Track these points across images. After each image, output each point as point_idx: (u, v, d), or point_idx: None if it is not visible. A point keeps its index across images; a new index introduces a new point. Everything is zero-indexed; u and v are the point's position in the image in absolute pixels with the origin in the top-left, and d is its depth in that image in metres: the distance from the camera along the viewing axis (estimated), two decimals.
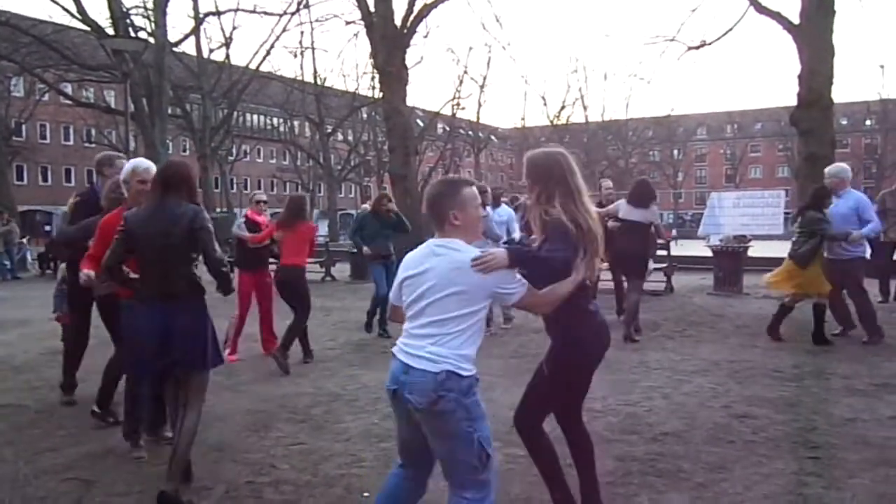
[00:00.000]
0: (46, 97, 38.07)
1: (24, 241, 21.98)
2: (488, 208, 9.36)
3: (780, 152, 66.60)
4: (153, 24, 23.55)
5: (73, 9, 22.55)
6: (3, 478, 4.21)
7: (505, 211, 9.60)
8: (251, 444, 4.74)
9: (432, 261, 2.74)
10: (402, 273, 2.85)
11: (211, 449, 4.63)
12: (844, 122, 64.51)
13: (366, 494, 3.87)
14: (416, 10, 17.62)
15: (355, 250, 10.11)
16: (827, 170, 8.08)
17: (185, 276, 3.81)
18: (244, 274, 7.48)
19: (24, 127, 43.47)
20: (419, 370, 2.66)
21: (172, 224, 3.74)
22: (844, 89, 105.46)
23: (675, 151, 68.63)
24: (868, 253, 8.62)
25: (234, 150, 45.05)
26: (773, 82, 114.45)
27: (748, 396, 5.75)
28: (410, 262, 2.83)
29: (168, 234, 3.73)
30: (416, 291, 2.74)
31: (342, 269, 17.23)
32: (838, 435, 4.81)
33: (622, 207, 8.30)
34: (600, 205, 9.38)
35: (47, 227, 41.06)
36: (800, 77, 12.31)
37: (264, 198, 8.09)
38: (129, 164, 4.59)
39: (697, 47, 16.10)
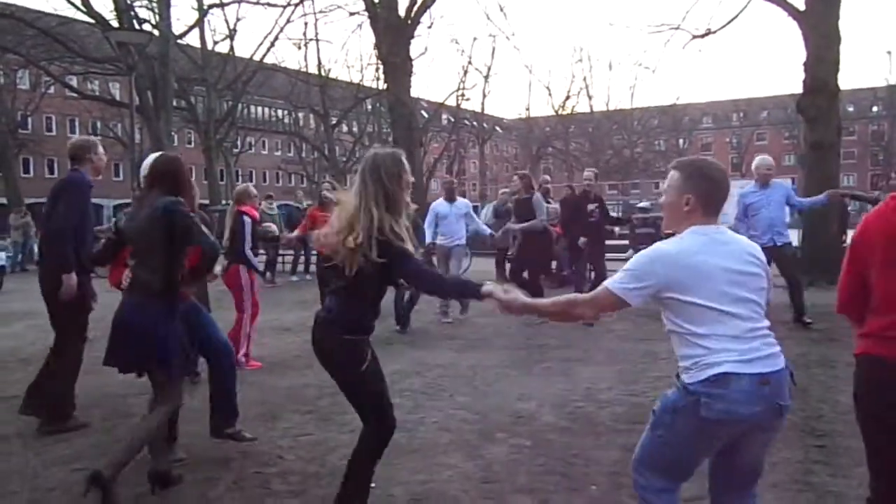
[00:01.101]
0: (52, 90, 38.05)
1: (33, 233, 22.14)
2: (446, 204, 9.37)
3: (786, 140, 66.25)
4: (157, 17, 23.48)
5: (78, 1, 22.53)
6: (13, 469, 4.24)
7: (463, 204, 9.66)
8: (258, 435, 4.76)
9: None
10: None
11: (217, 440, 4.66)
12: (851, 109, 64.10)
13: (372, 485, 3.88)
14: (419, 0, 17.56)
15: None
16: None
17: (158, 270, 3.72)
18: (252, 272, 7.18)
19: (29, 119, 43.48)
20: None
21: (149, 217, 3.72)
22: (851, 76, 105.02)
23: (681, 140, 68.25)
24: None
25: (238, 143, 45.07)
26: (780, 70, 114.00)
27: None
28: None
29: (143, 227, 3.73)
30: None
31: None
32: (844, 423, 4.79)
33: None
34: (584, 194, 9.40)
35: None
36: (805, 64, 12.22)
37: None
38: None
39: (702, 35, 15.97)
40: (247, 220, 6.92)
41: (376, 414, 3.21)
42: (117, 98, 34.29)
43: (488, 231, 10.08)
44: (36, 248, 21.91)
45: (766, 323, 2.51)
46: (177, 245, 3.75)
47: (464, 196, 12.58)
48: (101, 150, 5.15)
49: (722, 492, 2.69)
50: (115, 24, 22.08)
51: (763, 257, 2.61)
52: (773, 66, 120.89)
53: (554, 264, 12.76)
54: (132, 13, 23.62)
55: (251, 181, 53.65)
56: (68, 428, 4.86)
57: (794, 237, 9.79)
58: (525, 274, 9.10)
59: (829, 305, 9.04)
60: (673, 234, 2.57)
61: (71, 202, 4.79)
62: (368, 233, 3.01)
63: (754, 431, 2.46)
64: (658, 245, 2.53)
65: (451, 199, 9.51)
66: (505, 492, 3.78)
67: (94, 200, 5.09)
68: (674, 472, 2.60)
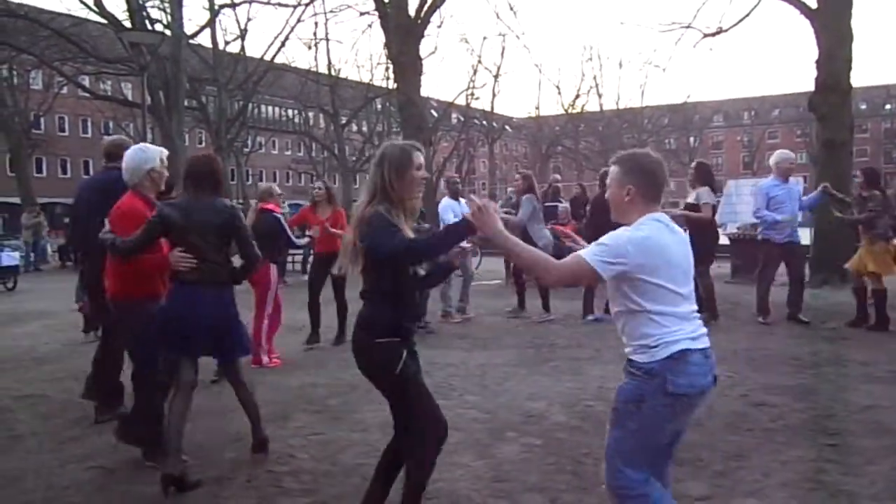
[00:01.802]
0: (65, 90, 38.31)
1: (45, 233, 22.34)
2: (456, 203, 9.36)
3: (798, 139, 65.83)
4: (169, 17, 23.60)
5: (91, 2, 22.69)
6: (28, 467, 4.29)
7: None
8: (270, 434, 4.75)
9: None
10: None
11: (231, 439, 4.70)
12: (863, 107, 63.62)
13: None
14: (429, 0, 17.57)
15: None
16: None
17: (225, 264, 4.09)
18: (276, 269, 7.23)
19: (42, 120, 43.78)
20: None
21: (218, 212, 4.02)
22: (864, 73, 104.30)
23: (692, 139, 67.96)
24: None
25: (249, 142, 45.23)
26: (792, 68, 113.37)
27: (766, 384, 5.73)
28: None
29: (215, 222, 4.00)
30: None
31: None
32: (856, 422, 4.79)
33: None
34: (556, 192, 9.41)
35: (66, 220, 41.45)
36: (818, 62, 12.14)
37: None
38: (157, 151, 4.42)
39: (714, 34, 15.89)
40: (278, 215, 7.11)
41: (423, 417, 3.10)
42: (129, 98, 34.47)
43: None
44: (49, 248, 22.17)
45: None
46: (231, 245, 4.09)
47: (474, 194, 12.61)
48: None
49: None
50: (127, 24, 22.21)
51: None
52: (785, 64, 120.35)
53: None
54: (144, 13, 23.76)
55: (261, 181, 53.90)
56: (117, 416, 4.88)
57: (804, 235, 9.77)
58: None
59: (840, 304, 9.08)
60: (620, 225, 2.72)
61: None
62: (356, 222, 3.02)
63: (699, 403, 2.70)
64: (626, 229, 2.66)
65: (455, 197, 9.51)
66: (515, 491, 3.79)
67: None
68: (653, 458, 2.71)
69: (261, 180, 54.89)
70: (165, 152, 4.45)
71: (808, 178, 28.20)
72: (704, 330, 2.71)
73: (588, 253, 2.60)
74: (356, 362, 3.13)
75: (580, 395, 5.59)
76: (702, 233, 8.50)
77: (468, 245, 3.25)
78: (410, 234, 3.05)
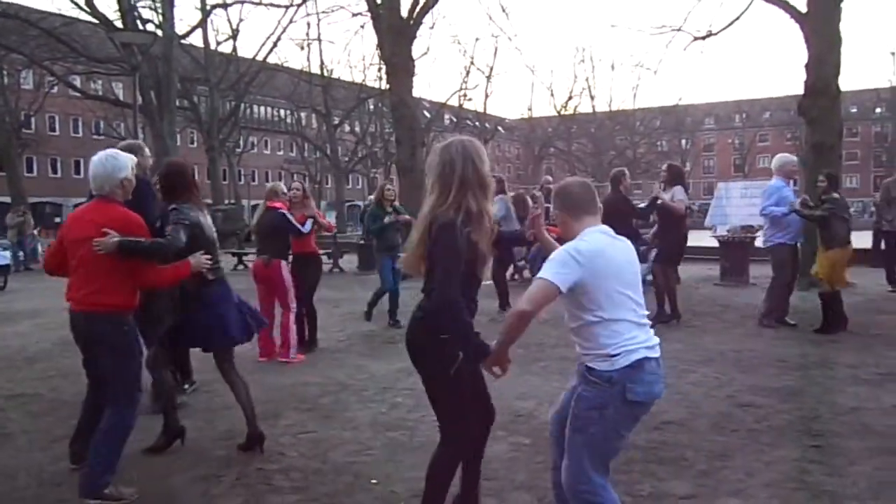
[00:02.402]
0: (55, 90, 38.17)
1: (35, 232, 22.20)
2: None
3: (788, 141, 66.07)
4: (161, 17, 23.59)
5: (82, 1, 22.64)
6: (20, 464, 4.31)
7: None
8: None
9: None
10: None
11: (221, 436, 4.73)
12: (853, 110, 64.04)
13: (374, 482, 3.94)
14: (422, 0, 17.61)
15: (363, 241, 10.12)
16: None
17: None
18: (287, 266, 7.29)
19: (33, 119, 43.64)
20: None
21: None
22: (853, 77, 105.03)
23: (683, 141, 68.30)
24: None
25: (241, 142, 45.16)
26: (782, 71, 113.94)
27: (752, 386, 5.79)
28: None
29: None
30: None
31: (350, 261, 17.31)
32: (841, 423, 4.85)
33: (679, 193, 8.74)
34: (547, 193, 9.52)
35: (57, 219, 41.29)
36: (807, 66, 12.22)
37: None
38: (128, 158, 4.12)
39: (704, 37, 15.99)
40: (282, 211, 7.22)
41: (454, 425, 3.07)
42: (121, 98, 34.42)
43: None
44: (40, 248, 22.05)
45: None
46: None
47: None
48: (146, 151, 5.34)
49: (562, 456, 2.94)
50: (118, 24, 22.18)
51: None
52: (776, 67, 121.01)
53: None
54: (136, 14, 23.74)
55: (253, 181, 53.85)
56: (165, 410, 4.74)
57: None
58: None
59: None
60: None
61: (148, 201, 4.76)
62: (425, 221, 3.01)
63: (648, 411, 2.87)
64: (569, 244, 2.79)
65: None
66: (504, 489, 3.83)
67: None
68: (608, 463, 2.84)
69: (253, 180, 54.85)
70: (135, 159, 4.23)
71: (798, 181, 28.38)
72: (657, 339, 2.84)
73: (543, 273, 2.72)
74: (409, 353, 3.10)
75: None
76: (672, 229, 8.64)
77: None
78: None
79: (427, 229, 2.97)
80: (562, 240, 2.94)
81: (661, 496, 3.72)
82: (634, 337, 2.73)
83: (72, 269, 3.87)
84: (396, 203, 9.10)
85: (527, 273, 12.72)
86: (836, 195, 7.99)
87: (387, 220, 8.70)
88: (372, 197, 10.18)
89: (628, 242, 2.96)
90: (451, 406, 3.08)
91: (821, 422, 4.90)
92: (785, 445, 4.44)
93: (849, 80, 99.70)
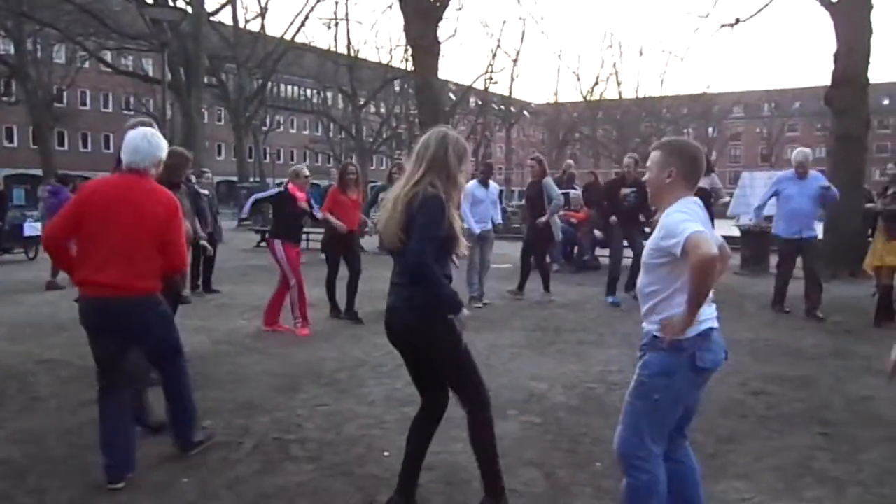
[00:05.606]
0: (87, 65, 38.61)
1: None
2: (482, 188, 9.38)
3: (818, 132, 65.10)
4: None
5: None
6: (49, 428, 4.48)
7: (495, 188, 9.79)
8: (279, 404, 4.97)
9: None
10: None
11: (241, 406, 4.88)
12: (886, 102, 62.84)
13: (386, 454, 4.06)
14: None
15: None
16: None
17: None
18: (288, 245, 7.45)
19: (65, 94, 44.20)
20: None
21: None
22: (888, 68, 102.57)
23: (710, 129, 67.43)
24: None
25: (267, 121, 45.43)
26: (813, 61, 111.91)
27: (766, 374, 5.83)
28: None
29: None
30: None
31: (371, 241, 17.40)
32: (852, 412, 4.89)
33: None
34: (621, 179, 9.43)
35: None
36: (836, 55, 12.07)
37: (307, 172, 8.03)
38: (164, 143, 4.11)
39: (731, 24, 15.85)
40: (279, 191, 7.73)
41: (474, 387, 3.29)
42: (150, 74, 34.72)
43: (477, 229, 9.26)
44: None
45: None
46: None
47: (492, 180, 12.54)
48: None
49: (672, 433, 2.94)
50: (149, 0, 22.35)
51: None
52: (807, 56, 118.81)
53: (576, 249, 12.92)
54: None
55: (279, 160, 54.11)
56: None
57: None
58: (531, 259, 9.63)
59: (848, 298, 9.12)
60: (656, 210, 2.85)
61: None
62: (405, 198, 3.14)
63: (709, 379, 2.91)
64: (679, 211, 2.74)
65: (486, 183, 9.48)
66: (513, 465, 3.92)
67: None
68: (666, 433, 2.87)
69: (278, 159, 55.16)
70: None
71: (824, 172, 27.98)
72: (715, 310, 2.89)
73: (690, 228, 2.61)
74: (419, 340, 3.18)
75: (582, 378, 5.72)
76: None
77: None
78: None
79: (409, 203, 3.08)
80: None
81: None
82: (706, 308, 2.78)
83: (88, 248, 3.68)
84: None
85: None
86: None
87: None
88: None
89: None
90: (466, 373, 3.25)
91: (832, 411, 4.94)
92: (794, 433, 4.49)
93: (882, 72, 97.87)
